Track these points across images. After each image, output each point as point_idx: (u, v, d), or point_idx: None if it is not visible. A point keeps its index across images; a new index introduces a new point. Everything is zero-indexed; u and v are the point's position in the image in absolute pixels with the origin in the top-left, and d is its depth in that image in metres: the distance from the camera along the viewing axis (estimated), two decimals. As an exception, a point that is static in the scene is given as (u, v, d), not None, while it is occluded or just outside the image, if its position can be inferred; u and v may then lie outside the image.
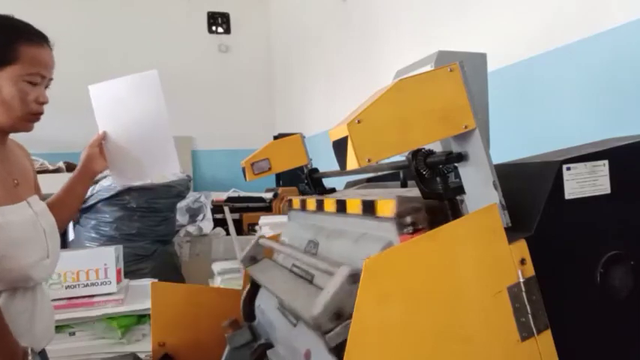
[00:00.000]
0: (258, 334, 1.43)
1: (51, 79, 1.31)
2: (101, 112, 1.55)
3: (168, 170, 1.49)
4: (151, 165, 1.53)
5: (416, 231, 0.90)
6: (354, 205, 1.12)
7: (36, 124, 1.33)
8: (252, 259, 1.51)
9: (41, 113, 1.28)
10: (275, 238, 1.60)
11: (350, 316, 0.76)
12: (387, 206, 0.97)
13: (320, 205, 1.32)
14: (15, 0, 5.75)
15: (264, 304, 1.45)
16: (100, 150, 1.53)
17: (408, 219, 0.91)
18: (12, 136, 1.36)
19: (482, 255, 0.84)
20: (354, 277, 0.83)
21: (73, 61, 5.75)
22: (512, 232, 0.86)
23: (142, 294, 2.21)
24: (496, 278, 0.84)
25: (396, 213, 0.92)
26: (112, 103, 1.55)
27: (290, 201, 1.59)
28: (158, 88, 1.44)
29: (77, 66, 5.77)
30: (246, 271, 1.56)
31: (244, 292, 1.54)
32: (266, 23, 6.62)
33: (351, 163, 0.80)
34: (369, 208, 1.05)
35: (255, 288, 1.52)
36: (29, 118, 1.26)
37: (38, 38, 1.26)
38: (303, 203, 1.45)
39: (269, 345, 1.31)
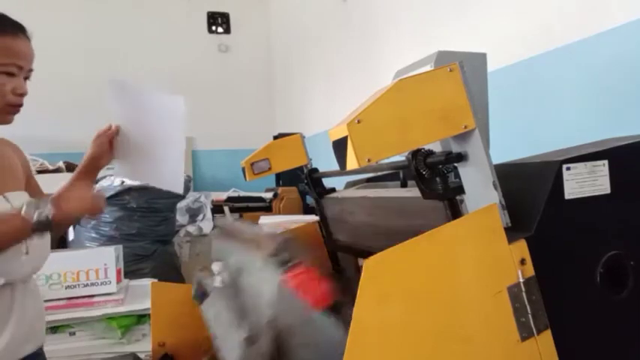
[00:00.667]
0: None
1: (31, 70, 1.26)
2: (117, 109, 1.51)
3: (170, 188, 1.46)
4: (156, 177, 1.51)
5: (295, 266, 0.92)
6: (248, 240, 1.14)
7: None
8: (202, 297, 1.45)
9: (20, 105, 1.22)
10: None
11: None
12: (264, 244, 0.99)
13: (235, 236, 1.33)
14: (16, 1, 5.72)
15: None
16: (110, 144, 1.48)
17: (285, 256, 0.92)
18: (10, 135, 1.35)
19: (482, 255, 0.84)
20: (250, 340, 0.89)
21: (73, 62, 5.76)
22: (512, 232, 0.86)
23: (142, 294, 2.20)
24: (496, 278, 0.84)
25: (269, 253, 0.94)
26: (131, 107, 1.50)
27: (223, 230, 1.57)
28: (181, 115, 1.40)
29: (77, 66, 5.77)
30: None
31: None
32: (266, 23, 6.62)
33: (351, 163, 0.80)
34: (255, 245, 1.07)
35: None
36: (7, 109, 1.21)
37: (13, 28, 1.22)
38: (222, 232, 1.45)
39: None
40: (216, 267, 1.54)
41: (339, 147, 0.83)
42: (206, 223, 4.03)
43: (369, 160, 0.80)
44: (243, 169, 1.59)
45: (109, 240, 3.13)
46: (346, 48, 4.39)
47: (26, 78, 1.25)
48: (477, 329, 0.82)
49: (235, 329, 0.97)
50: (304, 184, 1.63)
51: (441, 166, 0.91)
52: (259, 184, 4.38)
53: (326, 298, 0.92)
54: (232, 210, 4.23)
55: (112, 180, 3.43)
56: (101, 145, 1.47)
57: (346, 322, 0.88)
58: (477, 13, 2.65)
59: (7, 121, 1.25)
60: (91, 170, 1.48)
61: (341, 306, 0.97)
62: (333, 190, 1.60)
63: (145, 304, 2.11)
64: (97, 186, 3.37)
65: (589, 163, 0.95)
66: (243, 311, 1.01)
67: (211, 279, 1.39)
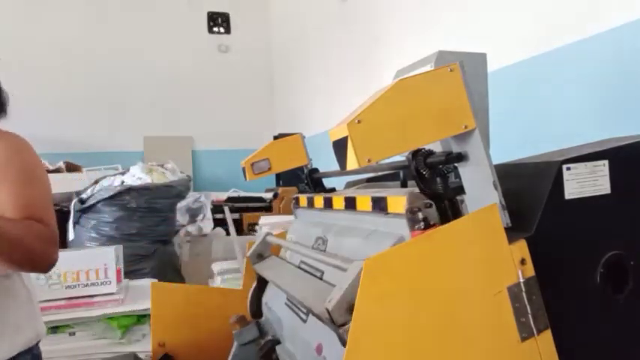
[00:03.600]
0: (265, 331, 1.44)
1: None
2: None
3: None
4: None
5: (428, 227, 0.90)
6: (364, 202, 1.12)
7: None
8: (259, 256, 1.52)
9: None
10: (282, 236, 1.60)
11: None
12: (398, 202, 0.97)
13: (328, 203, 1.33)
14: (16, 1, 5.71)
15: (272, 300, 1.46)
16: None
17: (420, 215, 0.90)
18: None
19: (482, 255, 0.84)
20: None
21: (73, 62, 5.76)
22: (512, 232, 0.86)
23: (142, 294, 2.21)
24: (496, 278, 0.84)
25: (408, 209, 0.91)
26: None
27: (297, 199, 1.59)
28: None
29: (77, 66, 5.78)
30: (250, 269, 1.57)
31: (251, 289, 1.54)
32: (266, 23, 6.62)
33: (351, 163, 0.80)
34: (379, 204, 1.05)
35: (262, 285, 1.53)
36: None
37: None
38: (311, 201, 1.46)
39: (277, 341, 1.32)
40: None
41: (339, 147, 0.83)
42: (206, 223, 4.03)
43: (369, 160, 0.80)
44: (243, 169, 1.59)
45: (109, 240, 3.13)
46: (346, 48, 4.39)
47: None
48: (477, 329, 0.82)
49: (341, 266, 0.95)
50: (304, 184, 1.63)
51: (441, 166, 0.91)
52: (259, 184, 4.39)
53: None
54: (232, 210, 4.23)
55: (112, 180, 3.43)
56: None
57: None
58: (477, 14, 2.65)
59: None
60: None
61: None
62: (333, 190, 1.60)
63: (145, 304, 2.11)
64: (97, 186, 3.38)
65: (589, 163, 0.95)
66: (343, 259, 1.00)
67: (280, 240, 1.43)
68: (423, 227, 0.90)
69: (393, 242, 0.96)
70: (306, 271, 1.24)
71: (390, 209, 1.00)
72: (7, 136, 1.25)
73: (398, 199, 0.97)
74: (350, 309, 0.79)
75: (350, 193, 1.30)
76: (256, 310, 1.53)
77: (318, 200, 1.40)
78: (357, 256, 0.95)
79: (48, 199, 1.24)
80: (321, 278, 1.15)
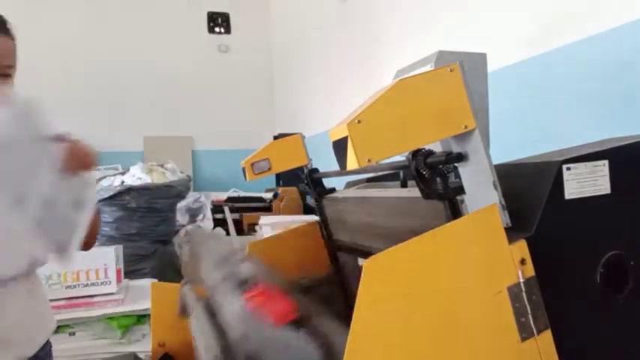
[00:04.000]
0: None
1: (9, 67, 1.18)
2: None
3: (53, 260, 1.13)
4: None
5: (252, 286, 0.94)
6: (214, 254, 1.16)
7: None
8: (183, 312, 1.44)
9: None
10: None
11: None
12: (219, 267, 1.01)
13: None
14: (16, 1, 5.70)
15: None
16: None
17: (241, 277, 0.96)
18: None
19: (482, 255, 0.84)
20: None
21: (73, 62, 5.76)
22: (512, 232, 0.86)
23: (142, 294, 2.20)
24: (496, 278, 0.84)
25: (223, 277, 0.97)
26: None
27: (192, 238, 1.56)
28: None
29: (77, 66, 5.78)
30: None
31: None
32: (266, 23, 6.62)
33: (351, 163, 0.80)
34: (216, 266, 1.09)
35: None
36: None
37: None
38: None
39: None
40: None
41: (339, 147, 0.83)
42: (206, 223, 4.03)
43: (369, 160, 0.80)
44: (243, 169, 1.59)
45: (109, 240, 3.13)
46: (346, 48, 4.39)
47: (5, 75, 1.17)
48: (477, 329, 0.82)
49: (210, 347, 0.97)
50: (304, 184, 1.63)
51: (441, 166, 0.91)
52: (259, 184, 4.39)
53: (288, 314, 0.93)
54: (232, 210, 4.23)
55: (112, 180, 3.43)
56: None
57: (315, 334, 0.89)
58: (477, 14, 2.65)
59: None
60: None
61: (308, 319, 0.97)
62: (333, 190, 1.60)
63: (145, 304, 2.11)
64: (98, 186, 3.37)
65: (589, 163, 0.95)
66: (220, 329, 1.01)
67: (193, 295, 1.38)
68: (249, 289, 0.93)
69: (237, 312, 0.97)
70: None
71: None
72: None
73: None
74: None
75: (342, 194, 1.29)
76: None
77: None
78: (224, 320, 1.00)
79: None
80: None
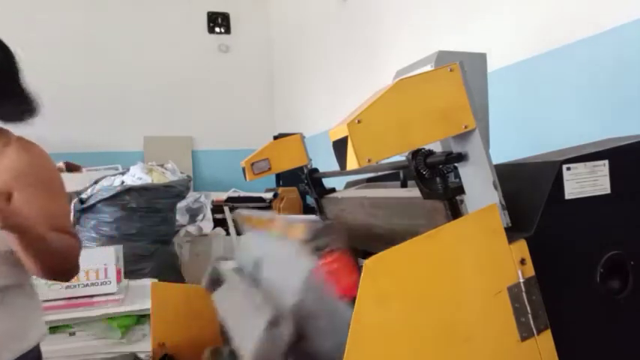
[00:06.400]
0: (239, 357, 1.41)
1: None
2: None
3: None
4: None
5: (330, 252, 0.91)
6: (279, 228, 1.13)
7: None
8: (214, 283, 1.47)
9: None
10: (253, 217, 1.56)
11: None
12: (299, 231, 0.98)
13: (262, 224, 1.32)
14: (16, 1, 5.69)
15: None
16: None
17: (321, 242, 0.92)
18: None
19: (482, 255, 0.84)
20: (274, 322, 0.88)
21: (73, 62, 5.76)
22: (512, 232, 0.86)
23: (142, 294, 2.21)
24: (496, 278, 0.84)
25: (305, 238, 0.93)
26: None
27: (244, 217, 1.57)
28: None
29: (77, 66, 5.77)
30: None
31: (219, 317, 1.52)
32: (266, 23, 6.62)
33: (351, 163, 0.80)
34: (288, 231, 1.06)
35: None
36: None
37: None
38: (255, 221, 1.45)
39: None
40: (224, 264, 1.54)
41: (339, 147, 0.83)
42: (206, 223, 4.03)
43: (369, 160, 0.80)
44: (243, 169, 1.59)
45: (109, 240, 3.13)
46: (346, 48, 4.39)
47: None
48: (477, 329, 0.82)
49: (255, 315, 0.96)
50: (304, 184, 1.63)
51: (441, 166, 0.91)
52: (259, 184, 4.38)
53: (354, 289, 0.92)
54: (232, 210, 4.23)
55: (112, 180, 3.43)
56: None
57: None
58: (477, 14, 2.65)
59: None
60: None
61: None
62: (333, 190, 1.60)
63: (145, 304, 2.11)
64: (97, 186, 3.37)
65: (589, 163, 0.95)
66: (263, 298, 1.00)
67: (228, 267, 1.39)
68: (323, 255, 0.91)
69: (303, 274, 0.96)
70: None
71: (296, 237, 1.01)
72: (28, 147, 1.26)
73: (298, 228, 0.98)
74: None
75: (343, 194, 1.30)
76: (227, 336, 1.49)
77: (258, 222, 1.38)
78: (278, 287, 0.99)
79: (69, 210, 1.28)
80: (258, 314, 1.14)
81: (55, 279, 1.25)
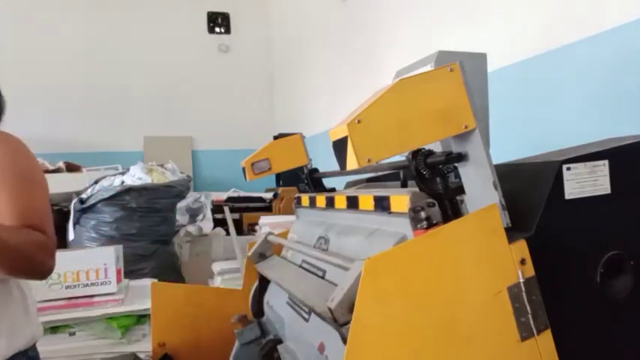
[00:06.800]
0: (267, 330, 1.44)
1: None
2: None
3: None
4: None
5: (430, 226, 0.90)
6: (366, 201, 1.12)
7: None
8: (260, 256, 1.52)
9: None
10: (283, 235, 1.61)
11: None
12: (401, 201, 0.97)
13: (330, 202, 1.33)
14: (17, 1, 5.70)
15: (273, 299, 1.46)
16: None
17: (423, 214, 0.90)
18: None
19: (482, 255, 0.84)
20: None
21: (73, 62, 5.76)
22: (512, 232, 0.86)
23: (142, 294, 2.21)
24: (496, 278, 0.84)
25: (411, 208, 0.91)
26: None
27: (298, 198, 1.59)
28: None
29: (77, 66, 5.78)
30: (250, 269, 1.57)
31: (252, 289, 1.54)
32: (266, 23, 6.62)
33: (351, 163, 0.80)
34: (381, 203, 1.05)
35: (263, 284, 1.53)
36: None
37: None
38: (312, 200, 1.46)
39: (278, 340, 1.32)
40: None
41: (339, 147, 0.83)
42: (206, 223, 4.02)
43: (369, 160, 0.80)
44: (243, 169, 1.59)
45: (109, 240, 3.13)
46: (346, 48, 4.39)
47: None
48: (477, 329, 0.82)
49: (343, 266, 0.96)
50: (304, 184, 1.63)
51: (441, 166, 0.91)
52: (259, 184, 4.38)
53: None
54: (232, 210, 4.23)
55: (112, 180, 3.43)
56: None
57: None
58: (477, 13, 2.65)
59: None
60: None
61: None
62: (333, 190, 1.60)
63: (145, 304, 2.11)
64: (97, 186, 3.37)
65: (589, 163, 0.95)
66: (346, 260, 1.00)
67: (281, 239, 1.44)
68: (425, 226, 0.90)
69: (395, 241, 0.96)
70: (308, 270, 1.25)
71: (393, 208, 1.01)
72: (4, 138, 1.22)
73: (401, 198, 0.97)
74: (352, 308, 0.79)
75: (351, 192, 1.30)
76: (258, 309, 1.53)
77: (320, 199, 1.40)
78: (359, 256, 0.95)
79: (47, 205, 1.22)
80: (323, 277, 1.15)
81: (19, 277, 1.20)
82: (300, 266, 1.30)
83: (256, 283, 1.55)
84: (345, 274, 0.87)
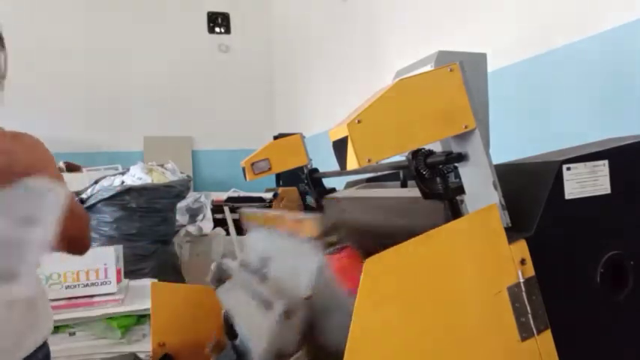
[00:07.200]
0: (243, 350, 1.41)
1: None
2: None
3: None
4: None
5: (341, 248, 0.90)
6: (286, 224, 1.12)
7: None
8: (218, 281, 1.49)
9: None
10: (255, 216, 1.55)
11: (292, 353, 0.80)
12: (309, 227, 0.97)
13: (269, 221, 1.33)
14: (17, 1, 5.70)
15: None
16: None
17: (331, 238, 0.91)
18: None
19: (482, 255, 0.84)
20: (288, 313, 0.87)
21: (73, 62, 5.76)
22: (512, 232, 0.86)
23: (142, 294, 2.20)
24: (496, 278, 0.84)
25: (316, 235, 0.93)
26: None
27: (246, 215, 1.57)
28: None
29: (77, 66, 5.78)
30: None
31: (222, 311, 1.52)
32: (266, 23, 6.62)
33: (351, 163, 0.80)
34: (297, 227, 1.06)
35: None
36: None
37: None
38: (260, 217, 1.45)
39: None
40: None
41: (339, 147, 0.83)
42: (206, 223, 4.02)
43: (369, 160, 0.80)
44: (243, 169, 1.59)
45: (109, 240, 3.13)
46: (346, 48, 4.39)
47: None
48: (477, 329, 0.82)
49: (266, 308, 0.96)
50: (304, 184, 1.63)
51: (441, 166, 0.91)
52: (259, 184, 4.38)
53: None
54: (232, 210, 4.23)
55: (112, 180, 3.43)
56: None
57: None
58: (477, 14, 2.65)
59: None
60: None
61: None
62: (333, 190, 1.60)
63: (145, 304, 2.11)
64: (97, 186, 3.37)
65: (589, 163, 0.95)
66: (274, 292, 1.00)
67: (234, 263, 1.39)
68: (333, 251, 0.90)
69: (313, 269, 0.95)
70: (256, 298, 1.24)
71: (305, 234, 1.00)
72: (27, 135, 1.24)
73: (307, 224, 0.97)
74: (279, 355, 0.80)
75: (344, 194, 1.30)
76: (230, 332, 1.50)
77: (266, 219, 1.39)
78: (288, 283, 0.98)
79: None
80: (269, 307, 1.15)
81: (78, 250, 1.21)
82: (252, 292, 1.29)
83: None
84: (265, 319, 0.88)
